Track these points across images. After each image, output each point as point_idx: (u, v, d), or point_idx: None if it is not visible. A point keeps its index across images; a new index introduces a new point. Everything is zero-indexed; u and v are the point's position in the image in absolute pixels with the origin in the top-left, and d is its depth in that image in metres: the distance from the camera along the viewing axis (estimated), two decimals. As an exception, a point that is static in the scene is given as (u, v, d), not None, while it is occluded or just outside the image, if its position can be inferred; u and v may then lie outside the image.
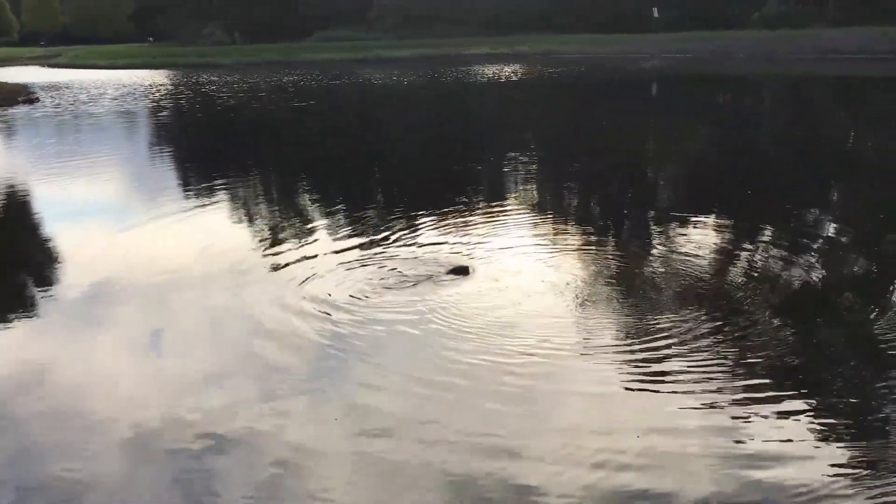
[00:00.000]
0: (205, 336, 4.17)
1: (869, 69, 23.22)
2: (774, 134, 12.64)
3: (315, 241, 5.98)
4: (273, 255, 5.62)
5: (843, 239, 5.88)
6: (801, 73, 24.05)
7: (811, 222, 6.49)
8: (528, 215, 6.76)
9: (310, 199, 7.98)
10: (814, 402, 3.22)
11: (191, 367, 3.78)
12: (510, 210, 6.92)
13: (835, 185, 8.32)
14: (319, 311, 4.40)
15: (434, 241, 5.84)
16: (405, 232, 6.12)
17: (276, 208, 7.61)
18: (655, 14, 40.40)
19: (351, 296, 4.62)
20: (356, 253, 5.57)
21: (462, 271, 5.03)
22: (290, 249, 5.74)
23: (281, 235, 6.25)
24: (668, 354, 3.70)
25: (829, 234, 5.98)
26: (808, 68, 24.77)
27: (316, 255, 5.54)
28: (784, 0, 38.57)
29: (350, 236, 6.08)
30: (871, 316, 4.18)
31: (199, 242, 6.01)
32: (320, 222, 6.67)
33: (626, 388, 3.39)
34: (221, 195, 8.01)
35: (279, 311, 4.41)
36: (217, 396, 3.47)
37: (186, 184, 9.05)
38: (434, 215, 6.70)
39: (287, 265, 5.32)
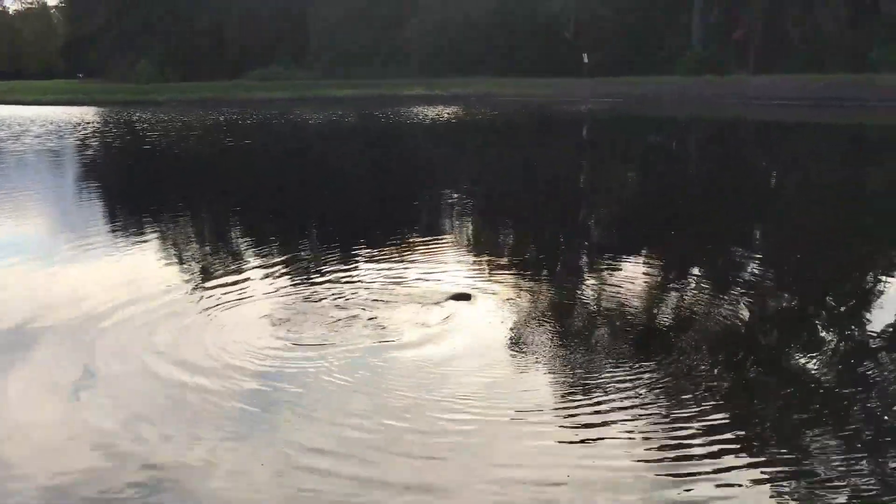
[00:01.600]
0: (130, 379, 4.01)
1: (788, 115, 24.18)
2: (699, 176, 12.99)
3: (245, 280, 5.85)
4: (200, 295, 5.47)
5: (767, 278, 6.02)
6: (725, 117, 24.90)
7: (735, 262, 6.64)
8: (459, 255, 6.76)
9: (240, 239, 7.83)
10: (753, 450, 3.22)
11: (114, 412, 3.63)
12: (443, 250, 6.91)
13: (757, 224, 8.56)
14: (248, 352, 4.29)
15: (365, 279, 5.77)
16: (337, 270, 6.05)
17: (205, 247, 7.44)
18: (585, 59, 41.44)
19: (282, 336, 4.53)
20: (287, 292, 5.47)
21: (463, 297, 5.15)
22: (216, 289, 5.60)
23: (207, 275, 6.10)
24: (602, 402, 3.68)
25: (753, 274, 6.12)
26: (732, 113, 25.66)
27: (245, 295, 5.43)
28: (708, 46, 40.01)
29: (280, 275, 5.98)
30: (804, 356, 4.26)
31: (124, 282, 5.83)
32: (250, 261, 6.55)
33: (561, 441, 3.34)
34: (149, 235, 7.81)
35: (206, 352, 4.30)
36: (141, 441, 3.34)
37: (111, 223, 8.80)
38: (366, 254, 6.65)
39: (213, 305, 5.20)
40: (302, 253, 6.92)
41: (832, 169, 13.39)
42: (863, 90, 25.09)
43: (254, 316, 4.93)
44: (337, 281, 5.73)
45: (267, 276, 5.98)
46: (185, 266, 6.52)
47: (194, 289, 5.63)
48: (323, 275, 5.93)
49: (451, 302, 5.10)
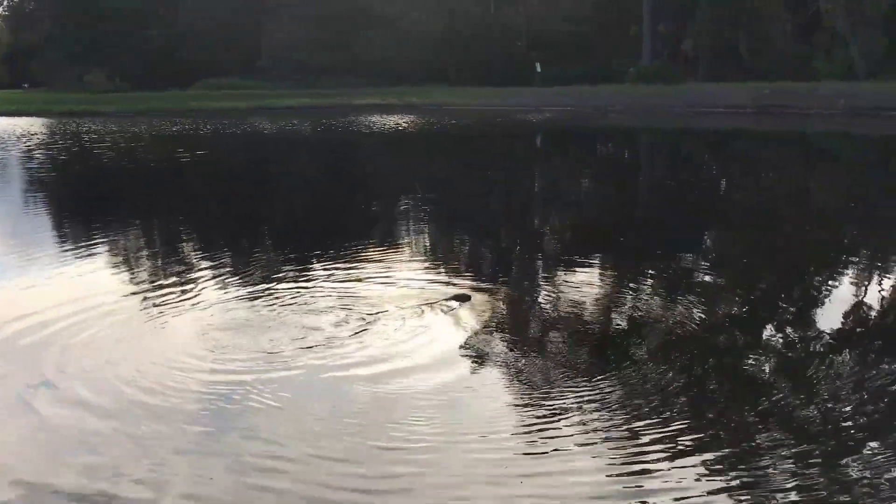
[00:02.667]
0: (81, 394, 3.93)
1: (736, 123, 24.69)
2: (647, 184, 13.20)
3: (195, 293, 5.78)
4: (145, 308, 5.40)
5: (718, 283, 6.14)
6: (675, 126, 25.33)
7: (686, 268, 6.76)
8: (415, 264, 6.77)
9: (191, 251, 7.75)
10: (712, 459, 3.26)
11: (67, 429, 3.56)
12: (399, 259, 6.93)
13: (706, 231, 8.72)
14: (205, 363, 4.26)
15: (321, 290, 5.75)
16: (291, 281, 6.02)
17: (153, 260, 7.35)
18: (538, 69, 41.85)
19: (233, 349, 4.49)
20: (238, 305, 5.43)
21: (463, 298, 5.26)
22: (169, 301, 5.53)
23: (154, 288, 6.02)
24: (559, 414, 3.72)
25: (704, 280, 6.25)
26: (682, 122, 26.12)
27: (195, 308, 5.37)
28: (658, 56, 40.69)
29: (231, 287, 5.93)
30: (759, 361, 4.34)
31: (68, 295, 5.71)
32: (205, 273, 6.48)
33: (525, 454, 3.36)
34: (95, 248, 7.67)
35: (161, 365, 4.24)
36: (95, 459, 3.28)
37: (55, 236, 8.65)
38: (322, 264, 6.64)
39: (160, 318, 5.14)
40: (254, 264, 6.87)
41: (778, 175, 13.71)
42: (806, 98, 25.74)
43: (204, 329, 4.88)
44: (291, 292, 5.69)
45: (218, 288, 5.92)
46: (131, 279, 6.43)
47: (141, 302, 5.55)
48: (276, 286, 5.89)
49: (419, 309, 5.12)
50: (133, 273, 6.69)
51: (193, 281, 6.17)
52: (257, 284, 5.98)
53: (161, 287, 5.99)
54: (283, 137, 23.05)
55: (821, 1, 32.61)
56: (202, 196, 12.00)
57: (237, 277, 6.27)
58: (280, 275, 6.25)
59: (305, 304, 5.37)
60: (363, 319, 4.97)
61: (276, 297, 5.54)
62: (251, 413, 3.68)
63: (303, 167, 16.30)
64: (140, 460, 3.26)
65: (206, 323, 5.02)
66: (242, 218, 9.78)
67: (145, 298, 5.65)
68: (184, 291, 5.80)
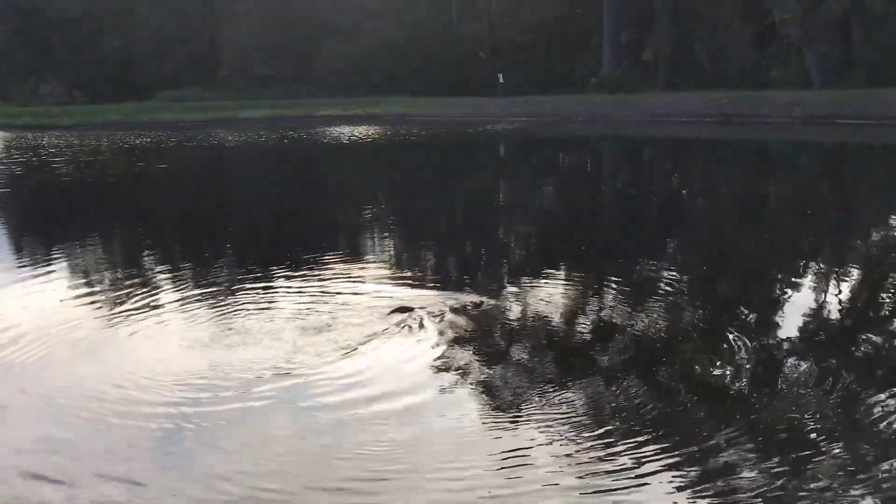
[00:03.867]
0: (39, 413, 3.83)
1: (696, 131, 25.04)
2: (611, 192, 13.31)
3: (159, 307, 5.68)
4: (111, 324, 5.30)
5: (681, 291, 6.17)
6: (636, 135, 25.62)
7: (647, 276, 6.80)
8: (380, 275, 6.72)
9: (155, 265, 7.58)
10: (677, 466, 3.27)
11: (23, 449, 3.47)
12: (362, 270, 6.87)
13: (669, 239, 8.80)
14: (165, 380, 4.17)
15: (283, 302, 5.69)
16: (253, 293, 5.95)
17: (119, 276, 7.16)
18: (501, 79, 42.09)
19: (198, 362, 4.42)
20: (202, 317, 5.35)
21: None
22: (130, 318, 5.42)
23: (121, 303, 5.88)
24: (525, 422, 3.71)
25: (666, 287, 6.27)
26: (643, 130, 26.43)
27: (160, 322, 5.28)
28: (618, 66, 41.13)
29: (195, 301, 5.84)
30: (721, 367, 4.36)
31: (26, 312, 5.59)
32: (165, 288, 6.36)
33: (481, 461, 3.34)
34: (55, 264, 7.52)
35: (120, 383, 4.15)
36: (51, 476, 3.21)
37: (13, 252, 8.45)
38: (285, 275, 6.57)
39: (127, 334, 5.04)
40: (216, 278, 6.76)
41: (736, 183, 13.90)
42: (763, 107, 26.18)
43: (164, 345, 4.80)
44: (253, 307, 5.62)
45: (179, 303, 5.82)
46: (90, 296, 6.28)
47: (100, 319, 5.45)
48: (238, 301, 5.81)
49: (378, 321, 5.10)
50: (93, 289, 6.54)
51: (154, 297, 6.06)
52: (218, 299, 5.89)
53: (122, 303, 5.86)
54: (246, 149, 22.87)
55: (776, 11, 33.21)
56: (163, 210, 11.83)
57: (198, 291, 6.17)
58: (242, 289, 6.17)
59: (269, 318, 5.30)
60: (328, 333, 4.92)
61: (239, 312, 5.46)
62: (210, 431, 3.61)
63: (266, 180, 16.17)
64: (99, 477, 3.19)
65: (167, 339, 4.93)
66: (205, 232, 9.67)
67: (105, 315, 5.54)
68: (144, 307, 5.69)
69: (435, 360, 4.45)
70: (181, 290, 6.33)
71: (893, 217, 9.90)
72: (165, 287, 6.44)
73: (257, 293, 6.05)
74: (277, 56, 52.06)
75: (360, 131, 28.38)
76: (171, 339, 4.95)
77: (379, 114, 38.03)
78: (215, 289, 6.31)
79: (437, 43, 50.54)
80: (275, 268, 6.99)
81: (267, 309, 5.58)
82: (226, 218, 10.90)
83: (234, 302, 5.78)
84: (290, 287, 6.27)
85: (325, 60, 51.85)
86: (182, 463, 3.36)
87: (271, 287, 6.29)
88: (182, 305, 5.79)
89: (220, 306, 5.69)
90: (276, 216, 10.99)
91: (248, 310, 5.55)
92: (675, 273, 6.83)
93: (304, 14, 53.36)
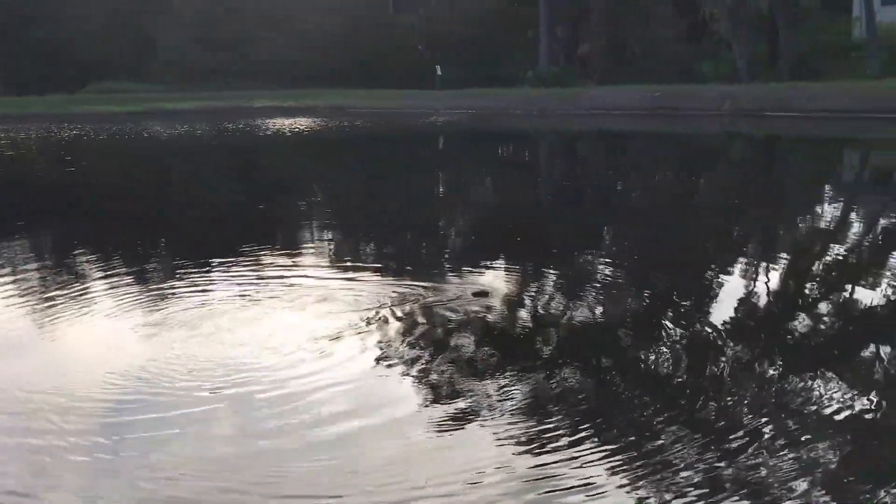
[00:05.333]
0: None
1: (630, 125, 25.47)
2: (548, 184, 13.47)
3: (92, 305, 5.54)
4: (42, 323, 5.15)
5: (617, 279, 6.29)
6: (573, 128, 25.93)
7: (584, 265, 6.91)
8: (319, 269, 6.68)
9: (87, 262, 7.40)
10: (616, 452, 3.32)
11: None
12: (304, 266, 6.83)
13: (605, 228, 8.96)
14: (100, 380, 4.07)
15: (223, 297, 5.62)
16: (190, 289, 5.87)
17: (49, 274, 6.94)
18: (438, 72, 42.10)
19: (136, 361, 4.32)
20: (138, 315, 5.24)
21: (483, 294, 5.39)
22: (62, 316, 5.27)
23: (52, 301, 5.71)
24: (466, 413, 3.74)
25: (603, 275, 6.38)
26: (579, 124, 26.76)
27: (92, 321, 5.17)
28: (554, 60, 41.53)
29: (131, 298, 5.70)
30: (658, 355, 4.45)
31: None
32: (98, 286, 6.19)
33: (422, 450, 3.36)
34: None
35: (53, 385, 4.03)
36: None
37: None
38: (226, 271, 6.50)
39: (59, 333, 4.92)
40: (152, 274, 6.65)
41: (669, 174, 14.21)
42: (694, 100, 26.75)
43: (100, 344, 4.71)
44: (191, 304, 5.53)
45: (114, 301, 5.69)
46: (19, 294, 6.10)
47: (31, 318, 5.31)
48: (175, 298, 5.71)
49: (317, 315, 5.07)
50: (21, 287, 6.35)
51: (86, 295, 5.91)
52: (155, 296, 5.78)
53: (53, 301, 5.68)
54: (180, 142, 22.42)
55: (706, 6, 33.95)
56: (95, 205, 11.54)
57: (133, 288, 6.06)
58: (179, 285, 6.07)
59: (204, 313, 5.22)
60: (271, 332, 4.88)
61: (175, 310, 5.35)
62: (147, 432, 3.51)
63: (200, 173, 15.89)
64: (30, 480, 3.10)
65: (102, 338, 4.84)
66: (136, 227, 9.47)
67: (35, 314, 5.39)
68: (76, 306, 5.54)
69: (372, 354, 4.42)
70: (111, 286, 6.21)
71: (819, 207, 10.26)
72: (93, 284, 6.30)
73: (191, 288, 5.96)
74: (212, 47, 51.06)
75: (297, 123, 28.09)
76: (106, 336, 4.86)
77: (316, 106, 37.65)
78: (149, 284, 6.20)
79: (375, 35, 50.27)
80: (210, 262, 6.90)
81: (202, 304, 5.49)
82: (156, 212, 10.69)
83: (168, 297, 5.69)
84: (225, 281, 6.21)
85: (260, 52, 51.06)
86: (113, 465, 3.30)
87: (205, 281, 6.21)
88: (116, 301, 5.67)
89: (155, 303, 5.59)
90: (210, 209, 10.83)
91: (182, 305, 5.46)
92: (610, 263, 6.96)
93: (240, 5, 52.46)
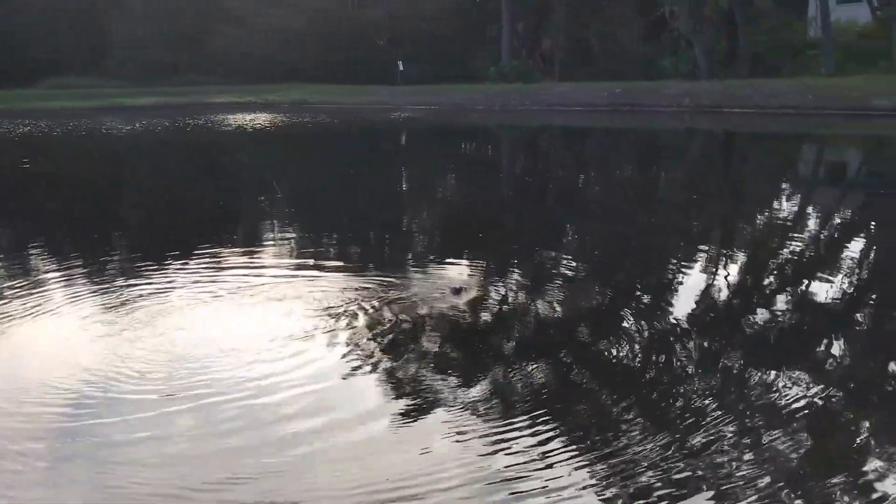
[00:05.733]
0: None
1: (592, 121, 25.61)
2: (509, 180, 13.47)
3: (48, 304, 5.37)
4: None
5: (578, 274, 6.29)
6: (535, 124, 26.00)
7: (544, 262, 6.90)
8: (280, 268, 6.58)
9: (43, 260, 7.18)
10: (577, 448, 3.31)
11: None
12: (266, 263, 6.72)
13: (566, 224, 8.97)
14: (58, 380, 3.94)
15: (184, 297, 5.50)
16: (145, 289, 5.72)
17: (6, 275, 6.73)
18: (401, 67, 41.97)
19: (96, 361, 4.20)
20: (97, 314, 5.10)
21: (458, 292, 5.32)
22: (16, 315, 5.10)
23: (3, 300, 5.54)
24: (427, 410, 3.69)
25: (564, 271, 6.37)
26: (541, 120, 26.84)
27: (50, 320, 5.01)
28: (516, 56, 41.65)
29: (90, 296, 5.55)
30: (616, 347, 4.44)
31: None
32: (55, 284, 6.01)
33: (381, 450, 3.32)
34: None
35: (8, 386, 3.88)
36: None
37: None
38: (186, 269, 6.38)
39: (13, 332, 4.76)
40: (111, 272, 6.48)
41: (629, 170, 14.31)
42: (655, 97, 26.99)
43: (57, 343, 4.57)
44: (151, 302, 5.40)
45: (70, 299, 5.53)
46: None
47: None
48: (135, 296, 5.55)
49: (277, 311, 4.98)
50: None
51: (36, 294, 5.74)
52: (114, 294, 5.62)
53: (5, 300, 5.54)
54: (137, 138, 22.04)
55: (666, 4, 34.29)
56: (49, 201, 11.28)
57: (86, 286, 5.90)
58: (139, 283, 5.91)
59: (170, 313, 5.10)
60: (232, 329, 4.78)
61: (136, 309, 5.20)
62: (107, 435, 3.40)
63: (161, 169, 15.63)
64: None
65: (60, 337, 4.69)
66: (94, 224, 9.26)
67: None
68: (25, 306, 5.37)
69: (332, 353, 4.35)
70: (68, 285, 6.03)
71: (777, 201, 10.39)
72: (50, 283, 6.12)
73: (155, 286, 5.82)
74: (170, 42, 50.28)
75: (257, 119, 27.79)
76: (64, 336, 4.72)
77: (276, 101, 37.34)
78: (109, 282, 6.04)
79: (335, 30, 49.94)
80: (167, 260, 6.76)
81: (160, 302, 5.37)
82: (115, 210, 10.49)
83: (130, 297, 5.54)
84: (184, 278, 6.09)
85: (219, 47, 50.42)
86: (73, 470, 3.19)
87: (162, 280, 6.07)
88: (73, 300, 5.51)
89: (114, 301, 5.43)
90: (169, 206, 10.65)
91: (140, 303, 5.33)
92: (573, 258, 6.96)
93: (197, -1, 51.80)
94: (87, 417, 3.53)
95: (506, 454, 3.16)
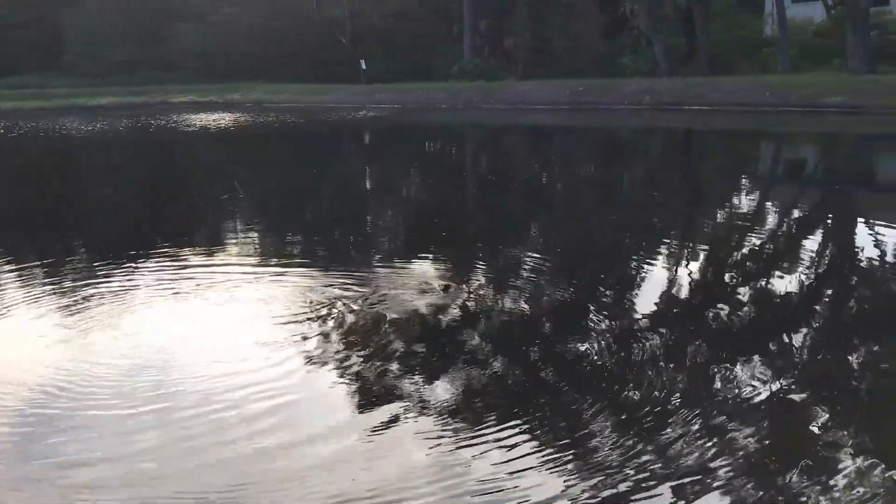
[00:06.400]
0: None
1: (554, 119, 25.75)
2: (472, 178, 13.51)
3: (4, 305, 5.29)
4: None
5: (543, 271, 6.33)
6: (497, 122, 26.08)
7: (510, 258, 6.94)
8: (244, 269, 6.52)
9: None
10: (538, 439, 3.36)
11: None
12: (227, 264, 6.67)
13: (529, 221, 9.02)
14: (16, 380, 3.92)
15: (146, 298, 5.44)
16: (107, 289, 5.65)
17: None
18: (363, 66, 41.77)
19: (56, 362, 4.15)
20: (56, 316, 5.04)
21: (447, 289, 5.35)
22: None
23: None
24: (392, 410, 3.69)
25: (528, 268, 6.41)
26: (503, 118, 26.93)
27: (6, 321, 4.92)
28: (479, 54, 41.68)
29: (44, 297, 5.48)
30: (582, 343, 4.47)
31: None
32: (11, 285, 5.91)
33: (348, 447, 3.30)
34: None
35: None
36: None
37: None
38: (148, 270, 6.30)
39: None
40: (71, 274, 6.38)
41: (591, 167, 14.43)
42: (616, 95, 27.22)
43: (15, 344, 4.52)
44: (111, 304, 5.34)
45: (28, 300, 5.45)
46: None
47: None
48: (96, 297, 5.50)
49: (242, 313, 4.95)
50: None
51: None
52: (71, 295, 5.56)
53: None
54: (95, 139, 21.68)
55: (626, 2, 34.58)
56: (5, 203, 11.08)
57: (47, 288, 5.81)
58: (101, 284, 5.86)
59: (129, 317, 5.05)
60: (195, 335, 4.74)
61: (94, 313, 5.15)
62: (67, 455, 3.29)
63: (117, 172, 15.41)
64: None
65: (12, 346, 4.63)
66: (53, 226, 9.12)
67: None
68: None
69: (299, 357, 4.34)
70: (29, 287, 5.93)
71: (737, 197, 10.58)
72: (9, 285, 6.02)
73: (112, 286, 5.76)
74: (127, 41, 49.43)
75: (220, 119, 27.50)
76: (23, 336, 4.68)
77: (237, 100, 36.98)
78: (66, 285, 5.95)
79: (297, 28, 49.48)
80: (130, 260, 6.69)
81: (124, 303, 5.33)
82: (74, 211, 10.32)
83: (88, 297, 5.48)
84: (147, 279, 6.02)
85: (179, 45, 49.68)
86: (33, 471, 3.16)
87: (127, 280, 6.01)
88: (31, 303, 5.42)
89: (73, 303, 5.37)
90: (129, 207, 10.52)
91: (104, 304, 5.28)
92: (536, 255, 7.01)
93: (154, -5, 50.99)
94: (44, 436, 3.44)
95: (477, 461, 3.17)
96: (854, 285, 6.04)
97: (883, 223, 7.98)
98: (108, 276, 6.16)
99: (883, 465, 3.05)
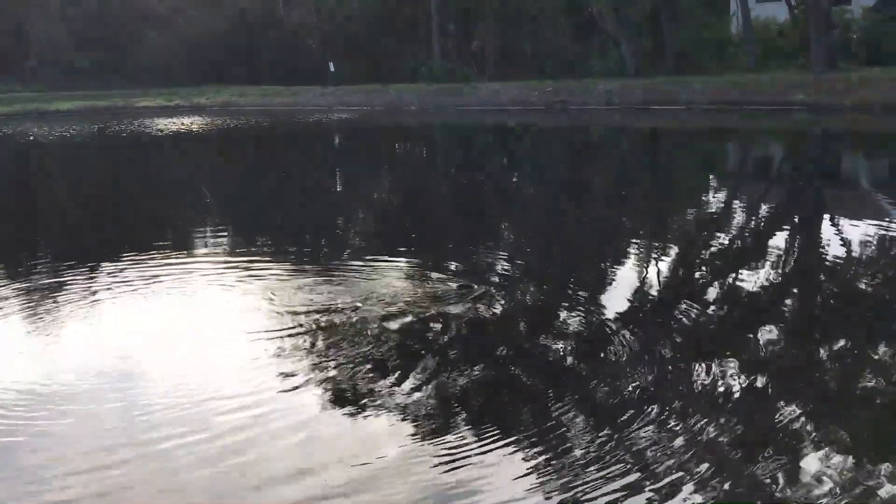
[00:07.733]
0: None
1: (523, 119, 25.83)
2: (442, 180, 13.50)
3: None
4: None
5: (515, 270, 6.33)
6: (466, 123, 26.12)
7: (481, 257, 6.91)
8: (212, 273, 6.45)
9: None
10: (512, 435, 3.35)
11: None
12: (196, 268, 6.58)
13: (500, 220, 9.02)
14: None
15: (117, 304, 5.34)
16: (82, 294, 5.55)
17: None
18: (332, 68, 41.61)
19: (27, 369, 4.03)
20: (29, 322, 4.94)
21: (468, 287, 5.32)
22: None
23: None
24: (369, 411, 3.66)
25: (501, 267, 6.40)
26: (472, 119, 26.97)
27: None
28: (447, 56, 41.73)
29: (18, 303, 5.35)
30: (552, 343, 4.46)
31: None
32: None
33: (324, 442, 3.26)
34: None
35: None
36: None
37: None
38: (117, 275, 6.19)
39: None
40: (40, 280, 6.26)
41: (560, 168, 14.47)
42: (584, 95, 27.36)
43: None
44: (81, 309, 5.24)
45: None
46: None
47: None
48: (64, 303, 5.39)
49: (211, 317, 4.89)
50: None
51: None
52: (37, 304, 5.44)
53: None
54: (60, 145, 21.36)
55: (593, 4, 34.80)
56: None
57: (12, 297, 5.69)
58: (69, 290, 5.76)
59: (94, 321, 4.97)
60: (164, 338, 4.67)
61: (65, 316, 5.08)
62: (38, 473, 3.20)
63: (83, 177, 15.20)
64: None
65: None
66: (15, 233, 8.96)
67: None
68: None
69: (271, 354, 4.31)
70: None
71: (704, 195, 10.68)
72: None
73: (79, 295, 5.64)
74: (92, 45, 48.81)
75: (185, 123, 27.24)
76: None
77: (203, 104, 36.65)
78: (38, 290, 5.83)
79: (264, 31, 49.19)
80: (97, 268, 6.56)
81: (91, 312, 5.22)
82: (40, 218, 10.16)
83: (55, 306, 5.36)
84: (113, 286, 5.91)
85: (144, 49, 49.16)
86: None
87: (95, 288, 5.89)
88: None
89: (40, 311, 5.26)
90: (95, 214, 10.37)
91: (71, 313, 5.17)
92: (506, 253, 7.01)
93: (117, 0, 50.35)
94: (13, 453, 3.35)
95: (450, 462, 3.15)
96: (820, 281, 6.10)
97: (847, 219, 8.09)
98: (73, 284, 6.05)
99: (853, 458, 3.07)
